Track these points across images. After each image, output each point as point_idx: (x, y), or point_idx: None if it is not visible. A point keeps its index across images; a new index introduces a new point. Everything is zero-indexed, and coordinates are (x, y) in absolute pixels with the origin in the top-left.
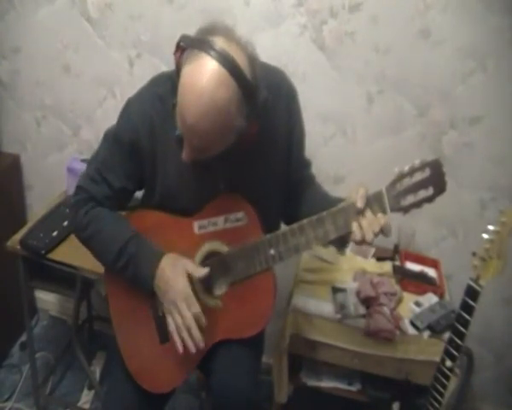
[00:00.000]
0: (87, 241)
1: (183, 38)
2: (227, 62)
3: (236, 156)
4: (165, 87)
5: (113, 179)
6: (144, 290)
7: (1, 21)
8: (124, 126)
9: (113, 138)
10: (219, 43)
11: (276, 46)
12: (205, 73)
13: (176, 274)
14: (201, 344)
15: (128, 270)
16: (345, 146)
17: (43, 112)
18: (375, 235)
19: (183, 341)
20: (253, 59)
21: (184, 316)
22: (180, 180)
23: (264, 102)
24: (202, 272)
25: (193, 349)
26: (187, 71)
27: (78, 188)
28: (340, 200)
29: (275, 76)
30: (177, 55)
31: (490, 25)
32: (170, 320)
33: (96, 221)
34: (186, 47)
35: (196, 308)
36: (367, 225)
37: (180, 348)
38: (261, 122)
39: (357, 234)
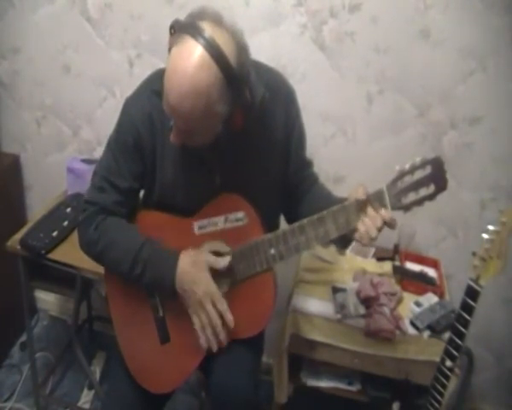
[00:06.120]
0: (100, 255)
1: (175, 22)
2: (211, 47)
3: (232, 153)
4: (162, 82)
5: (121, 182)
6: (166, 293)
7: (0, 21)
8: (124, 126)
9: (115, 141)
10: (206, 28)
11: (276, 46)
12: (188, 56)
13: (198, 271)
14: (225, 342)
15: (145, 276)
16: (345, 146)
17: (43, 112)
18: (379, 230)
19: (207, 340)
20: (241, 47)
21: (211, 316)
22: (176, 175)
23: (261, 99)
24: (224, 262)
25: (215, 348)
26: (172, 53)
27: (86, 203)
28: (343, 199)
29: (273, 77)
30: (170, 41)
31: (490, 25)
32: (195, 320)
33: (107, 233)
34: (176, 31)
35: (222, 305)
36: (370, 221)
37: (204, 345)
38: (259, 121)
39: (361, 231)
